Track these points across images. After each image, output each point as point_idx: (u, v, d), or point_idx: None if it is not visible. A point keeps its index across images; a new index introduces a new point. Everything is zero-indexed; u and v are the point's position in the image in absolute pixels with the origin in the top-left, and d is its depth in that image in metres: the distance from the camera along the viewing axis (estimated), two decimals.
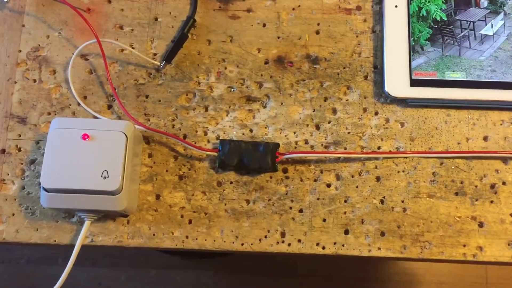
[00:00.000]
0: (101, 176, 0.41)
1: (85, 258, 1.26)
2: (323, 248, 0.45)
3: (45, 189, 0.42)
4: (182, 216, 0.46)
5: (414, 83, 0.47)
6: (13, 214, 0.45)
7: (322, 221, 0.46)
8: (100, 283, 1.22)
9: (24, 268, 1.24)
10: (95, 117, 0.47)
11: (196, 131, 0.48)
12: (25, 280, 1.22)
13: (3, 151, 0.47)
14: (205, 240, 0.45)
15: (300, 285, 1.20)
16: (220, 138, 0.47)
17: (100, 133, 0.42)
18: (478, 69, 0.48)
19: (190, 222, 0.46)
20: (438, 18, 0.49)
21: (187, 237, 0.46)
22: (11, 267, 1.24)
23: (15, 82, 0.48)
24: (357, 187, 0.47)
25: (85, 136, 0.42)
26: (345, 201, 0.46)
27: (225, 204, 0.46)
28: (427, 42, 0.49)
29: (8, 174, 0.46)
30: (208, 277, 1.22)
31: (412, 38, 0.49)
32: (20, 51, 0.49)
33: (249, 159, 0.46)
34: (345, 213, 0.46)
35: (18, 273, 1.23)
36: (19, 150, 0.47)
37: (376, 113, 0.48)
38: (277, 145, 0.46)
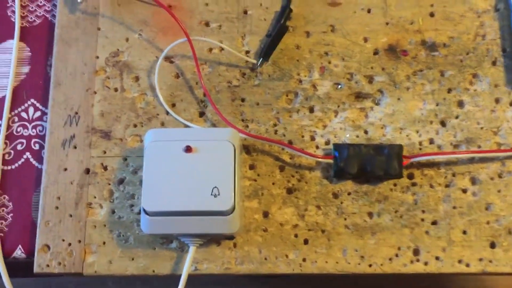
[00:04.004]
0: (211, 194, 0.35)
1: (135, 279, 1.21)
2: (467, 265, 0.38)
3: (147, 213, 0.36)
4: (296, 236, 0.40)
5: None
6: (104, 243, 0.40)
7: (462, 234, 0.39)
8: None
9: None
10: (187, 127, 0.42)
11: (303, 136, 0.42)
12: None
13: (88, 171, 0.41)
14: (326, 262, 0.39)
15: None
16: (333, 142, 0.41)
17: (204, 144, 0.36)
18: None
19: (306, 242, 0.39)
20: None
21: (304, 260, 0.39)
22: None
23: (95, 92, 0.43)
24: (499, 191, 0.40)
25: (188, 149, 0.36)
26: (486, 209, 0.39)
27: (345, 219, 0.40)
28: None
29: (95, 197, 0.41)
30: None
31: None
32: (97, 57, 0.44)
33: (372, 165, 0.39)
34: (488, 223, 0.39)
35: None
36: (105, 169, 0.41)
37: None
38: (401, 147, 0.40)
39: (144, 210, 0.36)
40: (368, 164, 0.39)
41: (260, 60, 0.42)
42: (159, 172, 0.36)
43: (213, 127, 0.41)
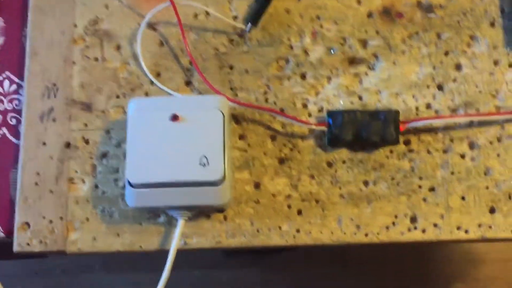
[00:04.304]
0: (200, 164, 0.33)
1: (123, 262, 1.19)
2: (466, 232, 0.37)
3: (131, 185, 0.34)
4: (289, 207, 0.38)
5: None
6: (87, 219, 0.38)
7: (461, 200, 0.38)
8: None
9: (60, 278, 1.17)
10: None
11: (294, 104, 0.40)
12: None
13: (68, 145, 0.39)
14: (321, 233, 0.38)
15: (354, 273, 1.12)
16: (327, 109, 0.39)
17: (192, 113, 0.34)
18: None
19: (299, 212, 0.38)
20: None
21: (298, 231, 0.38)
22: (46, 278, 1.17)
23: (74, 63, 0.40)
24: (498, 155, 0.38)
25: (175, 117, 0.34)
26: (485, 174, 0.38)
27: (340, 188, 0.38)
28: None
29: (77, 172, 0.39)
30: (255, 275, 1.14)
31: None
32: (75, 25, 0.41)
33: (367, 131, 0.37)
34: (487, 188, 0.38)
35: (54, 284, 1.16)
36: (87, 142, 0.39)
37: (511, 65, 0.40)
38: (398, 113, 0.38)
39: (128, 182, 0.34)
40: (363, 131, 0.38)
41: (249, 25, 0.40)
42: (143, 142, 0.34)
43: (201, 95, 0.39)
